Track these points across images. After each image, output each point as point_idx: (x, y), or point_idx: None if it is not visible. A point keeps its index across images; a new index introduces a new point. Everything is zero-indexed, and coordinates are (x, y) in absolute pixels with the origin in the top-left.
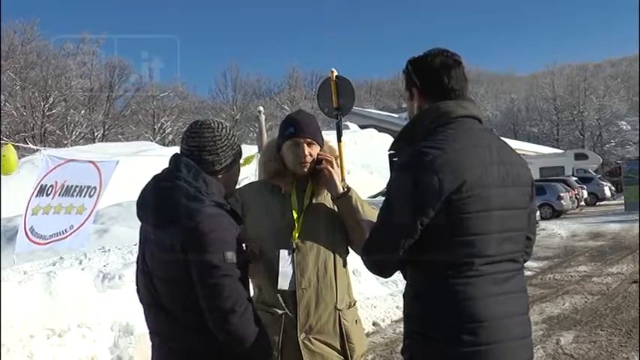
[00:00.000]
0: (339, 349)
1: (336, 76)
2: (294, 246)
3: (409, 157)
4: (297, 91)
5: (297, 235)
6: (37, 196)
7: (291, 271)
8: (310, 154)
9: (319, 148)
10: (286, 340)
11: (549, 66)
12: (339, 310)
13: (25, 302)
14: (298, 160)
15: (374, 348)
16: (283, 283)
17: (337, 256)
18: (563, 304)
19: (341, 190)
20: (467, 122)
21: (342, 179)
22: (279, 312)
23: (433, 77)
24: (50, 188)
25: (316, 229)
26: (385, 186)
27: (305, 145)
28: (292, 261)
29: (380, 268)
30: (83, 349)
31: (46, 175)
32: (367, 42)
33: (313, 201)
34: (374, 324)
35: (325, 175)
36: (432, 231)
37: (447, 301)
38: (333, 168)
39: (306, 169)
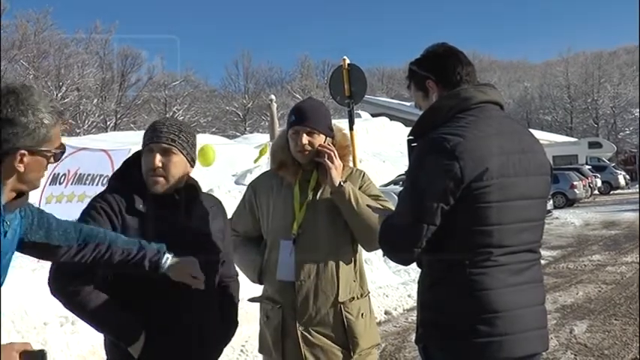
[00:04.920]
0: (341, 341)
1: (348, 64)
2: (293, 237)
3: (429, 143)
4: (308, 79)
5: (297, 226)
6: (50, 184)
7: (290, 262)
8: (310, 143)
9: (322, 137)
10: (286, 332)
11: (563, 54)
12: (341, 303)
13: (38, 290)
14: (297, 149)
15: (386, 337)
16: (282, 274)
17: (340, 249)
18: (577, 294)
19: (336, 185)
20: (488, 108)
21: (355, 166)
22: (278, 304)
23: (444, 63)
24: (63, 177)
25: (317, 220)
26: (398, 175)
27: (304, 134)
28: (292, 252)
29: (400, 256)
30: (96, 336)
31: (58, 164)
32: (379, 30)
33: (319, 192)
34: (386, 313)
35: (323, 168)
36: (449, 220)
37: (463, 291)
38: (332, 161)
39: (305, 158)
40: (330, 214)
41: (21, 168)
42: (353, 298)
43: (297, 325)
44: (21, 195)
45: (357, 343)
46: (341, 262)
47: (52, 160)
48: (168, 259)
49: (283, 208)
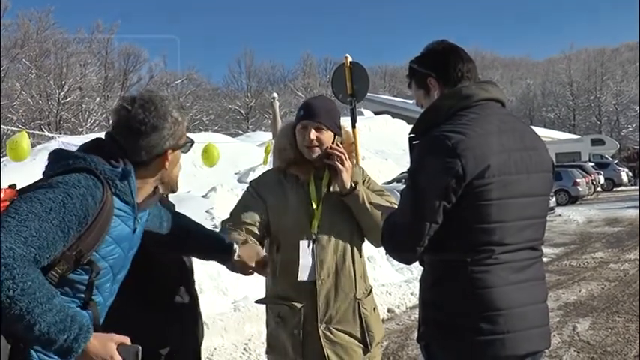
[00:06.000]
0: (360, 337)
1: (350, 62)
2: (314, 236)
3: (431, 141)
4: (311, 77)
5: (316, 225)
6: None
7: (311, 262)
8: (318, 139)
9: (330, 134)
10: (307, 332)
11: (566, 51)
12: (359, 299)
13: None
14: (304, 144)
15: (389, 334)
16: (303, 275)
17: (355, 245)
18: (580, 291)
19: (348, 188)
20: (489, 106)
21: (357, 163)
22: (298, 305)
23: (445, 60)
24: None
25: (335, 218)
26: (400, 172)
27: (312, 129)
28: (312, 252)
29: (403, 254)
30: None
31: None
32: (382, 28)
33: (331, 190)
34: (389, 310)
35: (334, 170)
36: (451, 217)
37: (465, 289)
38: (343, 164)
39: (313, 154)
40: (346, 212)
41: (167, 166)
42: (367, 293)
43: (319, 324)
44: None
45: (374, 337)
46: (356, 258)
47: (184, 151)
48: (235, 252)
49: (299, 208)
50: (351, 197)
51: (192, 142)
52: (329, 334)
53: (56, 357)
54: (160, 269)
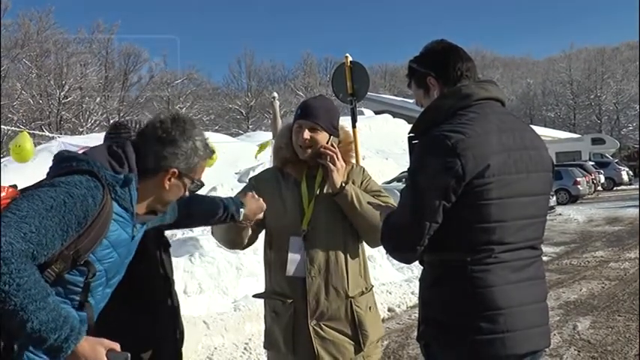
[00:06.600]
0: (352, 335)
1: (350, 61)
2: (304, 233)
3: (431, 141)
4: (311, 77)
5: (306, 222)
6: None
7: (301, 258)
8: (312, 139)
9: (325, 134)
10: (298, 327)
11: (566, 50)
12: (351, 297)
13: None
14: (298, 143)
15: (389, 334)
16: (292, 270)
17: (349, 244)
18: (580, 290)
19: (338, 187)
20: (489, 105)
21: (358, 163)
22: (289, 300)
23: (444, 59)
24: None
25: (326, 216)
26: (401, 172)
27: (306, 129)
28: (302, 248)
29: (403, 254)
30: None
31: None
32: (382, 27)
33: (324, 189)
34: (389, 310)
35: (326, 170)
36: (451, 217)
37: (465, 289)
38: (335, 164)
39: (305, 154)
40: (340, 211)
41: (167, 186)
42: (362, 292)
43: (309, 320)
44: (152, 212)
45: (367, 336)
46: (349, 257)
47: (188, 190)
48: (242, 213)
49: (292, 205)
50: (340, 197)
51: (202, 185)
52: (319, 330)
53: (45, 357)
54: (141, 270)
